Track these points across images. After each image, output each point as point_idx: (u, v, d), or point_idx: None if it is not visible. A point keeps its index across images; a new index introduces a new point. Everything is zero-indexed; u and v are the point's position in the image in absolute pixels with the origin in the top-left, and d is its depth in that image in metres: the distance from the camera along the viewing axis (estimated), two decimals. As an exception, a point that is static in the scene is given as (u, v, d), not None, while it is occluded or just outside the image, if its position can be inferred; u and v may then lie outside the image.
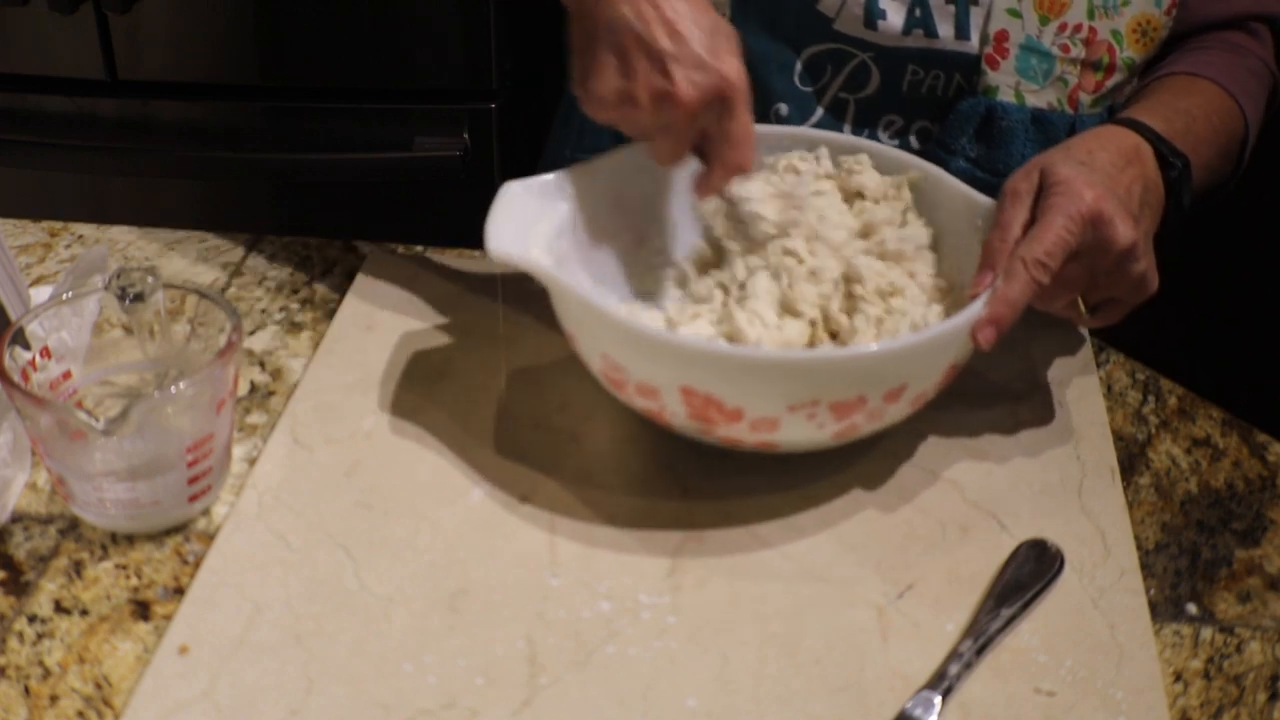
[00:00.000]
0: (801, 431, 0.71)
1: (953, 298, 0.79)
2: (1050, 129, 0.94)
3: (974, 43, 0.92)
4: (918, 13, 0.91)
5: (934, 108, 0.95)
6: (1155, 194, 0.82)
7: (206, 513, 0.73)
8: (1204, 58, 0.96)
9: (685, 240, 0.86)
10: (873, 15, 0.91)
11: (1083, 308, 0.82)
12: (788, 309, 0.77)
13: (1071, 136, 0.92)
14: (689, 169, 0.81)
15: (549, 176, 0.80)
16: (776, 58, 0.94)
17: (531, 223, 0.77)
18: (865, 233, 0.81)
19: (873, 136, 0.96)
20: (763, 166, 0.82)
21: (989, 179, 0.94)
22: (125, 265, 0.77)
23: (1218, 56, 0.96)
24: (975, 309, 0.72)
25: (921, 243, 0.81)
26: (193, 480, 0.72)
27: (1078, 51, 0.92)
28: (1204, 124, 0.88)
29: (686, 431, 0.74)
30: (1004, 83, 0.92)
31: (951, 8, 0.91)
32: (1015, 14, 0.91)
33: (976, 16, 0.91)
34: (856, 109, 0.95)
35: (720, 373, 0.69)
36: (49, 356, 0.72)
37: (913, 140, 0.96)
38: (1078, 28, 0.92)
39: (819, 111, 0.96)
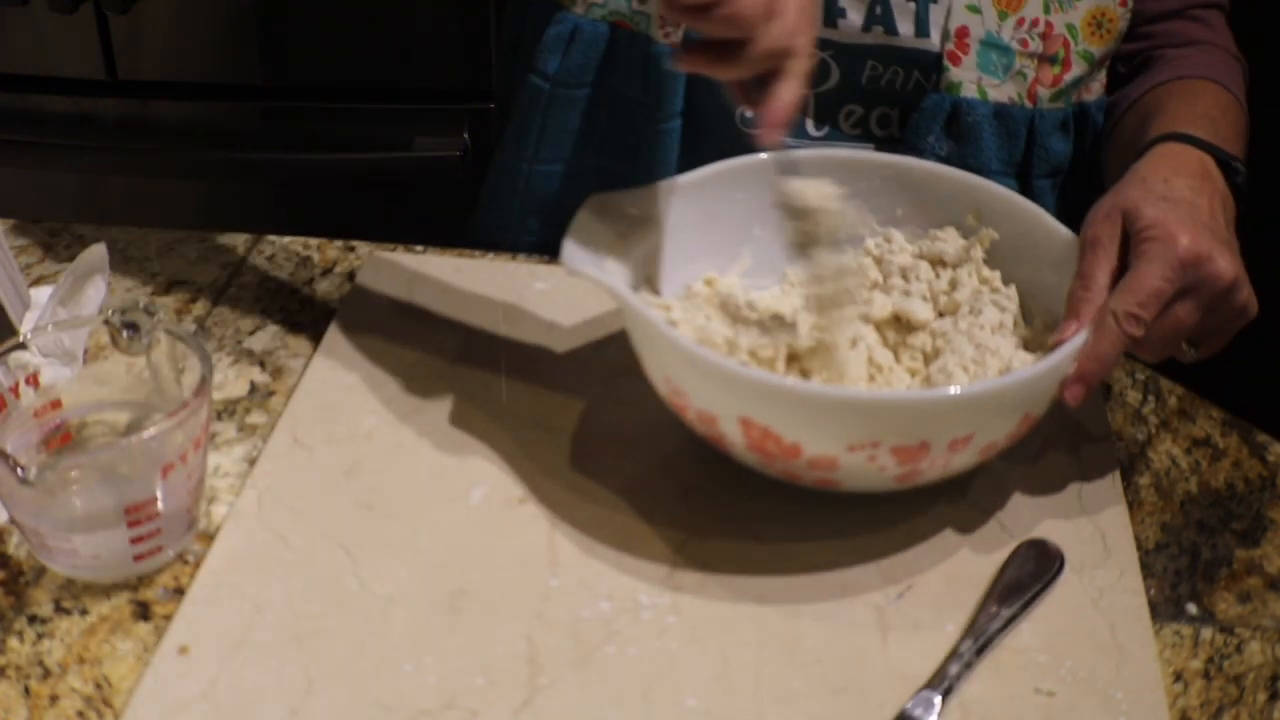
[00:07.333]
0: (862, 473, 0.70)
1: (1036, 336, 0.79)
2: (1011, 123, 0.94)
3: (934, 40, 0.92)
4: (878, 10, 0.91)
5: (893, 98, 0.95)
6: (1230, 208, 0.80)
7: (207, 513, 0.73)
8: (1187, 59, 0.95)
9: (780, 260, 0.84)
10: (832, 14, 0.91)
11: (1185, 345, 0.78)
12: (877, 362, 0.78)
13: (1031, 134, 0.93)
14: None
15: (637, 191, 0.78)
16: None
17: (614, 239, 0.76)
18: (946, 312, 0.81)
19: (834, 128, 0.96)
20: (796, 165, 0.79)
21: None
22: (128, 302, 0.72)
23: (1198, 55, 0.96)
24: (1048, 363, 0.70)
25: (1006, 307, 0.80)
26: (136, 540, 0.67)
27: (1035, 46, 0.93)
28: (1225, 124, 0.87)
29: (747, 461, 0.73)
30: (966, 78, 0.92)
31: (912, 5, 0.91)
32: (975, 10, 0.91)
33: (936, 14, 0.92)
34: (816, 103, 0.95)
35: (778, 406, 0.68)
36: (35, 384, 0.70)
37: (874, 127, 0.96)
38: (1034, 22, 0.92)
39: None
